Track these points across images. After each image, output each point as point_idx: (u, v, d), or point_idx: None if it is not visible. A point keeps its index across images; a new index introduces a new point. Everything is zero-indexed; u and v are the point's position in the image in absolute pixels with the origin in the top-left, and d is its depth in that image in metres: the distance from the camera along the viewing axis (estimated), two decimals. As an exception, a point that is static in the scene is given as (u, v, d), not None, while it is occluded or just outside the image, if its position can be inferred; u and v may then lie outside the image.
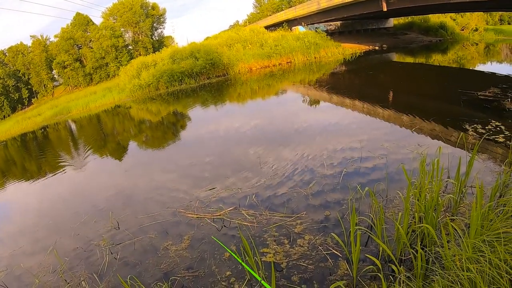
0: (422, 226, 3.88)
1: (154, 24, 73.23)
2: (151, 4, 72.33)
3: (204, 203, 6.21)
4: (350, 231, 4.04)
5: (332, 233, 4.38)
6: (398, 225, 3.80)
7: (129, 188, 8.27)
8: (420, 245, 3.86)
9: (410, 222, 4.24)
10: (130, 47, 69.60)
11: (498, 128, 8.23)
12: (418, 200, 4.27)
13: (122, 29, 68.16)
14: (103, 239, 5.74)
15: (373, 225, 4.30)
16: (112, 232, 5.96)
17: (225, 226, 5.32)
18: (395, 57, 31.34)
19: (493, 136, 7.74)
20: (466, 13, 44.89)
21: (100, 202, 7.63)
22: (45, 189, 10.19)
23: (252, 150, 9.28)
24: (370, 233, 4.25)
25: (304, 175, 6.84)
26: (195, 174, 8.25)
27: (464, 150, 6.40)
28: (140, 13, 68.66)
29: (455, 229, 3.76)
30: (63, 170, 11.69)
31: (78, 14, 67.91)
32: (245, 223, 5.22)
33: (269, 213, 5.45)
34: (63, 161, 13.23)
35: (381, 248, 3.89)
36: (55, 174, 11.48)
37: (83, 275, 4.86)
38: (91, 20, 68.87)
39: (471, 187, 5.20)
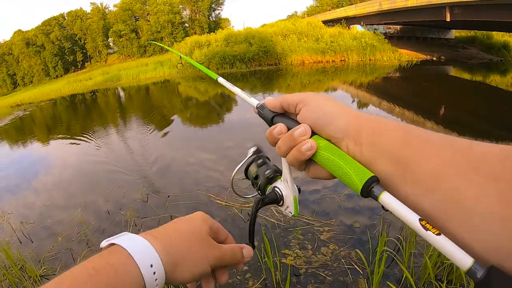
0: (448, 262, 3.67)
1: (213, 5, 73.67)
2: (211, -15, 72.74)
3: (232, 193, 6.09)
4: (376, 250, 3.84)
5: (357, 249, 4.17)
6: (427, 258, 3.59)
7: (166, 162, 8.35)
8: (447, 280, 3.66)
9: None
10: (186, 24, 70.40)
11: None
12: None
13: (180, 6, 68.86)
14: (130, 209, 5.75)
15: (401, 248, 4.08)
16: (140, 204, 5.98)
17: (251, 219, 5.21)
18: (452, 71, 30.40)
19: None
20: (534, 35, 43.03)
21: (135, 172, 7.72)
22: (85, 150, 10.49)
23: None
24: (396, 257, 4.04)
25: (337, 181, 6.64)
26: (232, 158, 8.18)
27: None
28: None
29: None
30: (105, 135, 11.90)
31: None
32: (272, 220, 5.09)
33: (300, 215, 5.31)
34: (106, 126, 13.46)
35: (404, 275, 3.69)
36: (97, 138, 11.70)
37: (104, 243, 4.86)
38: None
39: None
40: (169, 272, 0.63)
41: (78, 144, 11.30)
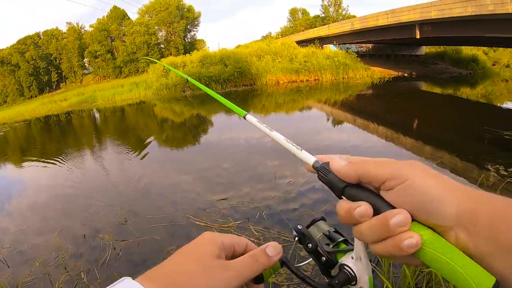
0: (427, 270, 3.79)
1: (188, 26, 74.06)
2: (187, 6, 73.35)
3: (214, 212, 6.13)
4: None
5: (338, 262, 4.25)
6: (405, 267, 3.70)
7: (143, 184, 8.27)
8: (426, 286, 3.76)
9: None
10: (162, 45, 70.50)
11: (523, 171, 8.06)
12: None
13: (156, 27, 69.20)
14: (109, 233, 5.71)
15: (380, 259, 4.19)
16: (118, 227, 5.93)
17: (230, 239, 5.24)
18: (423, 86, 31.12)
19: (517, 179, 7.57)
20: (500, 48, 44.41)
21: (112, 194, 7.67)
22: (60, 173, 10.33)
23: (270, 162, 9.26)
24: (376, 268, 4.14)
25: (318, 196, 6.73)
26: (209, 180, 8.19)
27: (485, 190, 6.23)
28: (175, 13, 69.63)
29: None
30: (81, 157, 11.82)
31: (115, 7, 69.65)
32: (252, 239, 5.12)
33: (277, 231, 5.35)
34: (81, 149, 13.38)
35: (385, 285, 3.80)
36: (72, 160, 11.59)
37: (83, 266, 4.84)
38: (127, 15, 70.57)
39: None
40: None
41: (53, 167, 11.13)
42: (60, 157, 12.09)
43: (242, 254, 0.69)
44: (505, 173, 7.98)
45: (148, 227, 5.73)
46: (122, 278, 0.58)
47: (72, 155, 12.45)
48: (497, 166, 8.40)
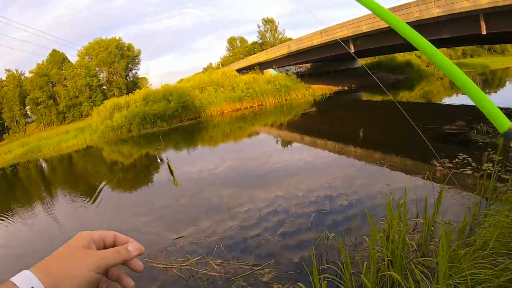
0: (389, 273, 3.90)
1: (129, 65, 73.36)
2: (126, 45, 72.67)
3: (173, 252, 6.09)
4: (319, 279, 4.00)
5: (299, 283, 4.30)
6: (363, 276, 3.80)
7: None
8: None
9: (380, 265, 4.25)
10: (104, 87, 69.40)
11: (465, 161, 8.50)
12: (386, 243, 4.29)
13: (97, 69, 68.06)
14: None
15: (341, 272, 4.28)
16: None
17: (192, 276, 5.21)
18: (364, 96, 32.14)
19: (461, 169, 7.95)
20: (431, 49, 46.55)
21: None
22: (5, 233, 9.88)
23: (225, 192, 9.31)
24: (338, 281, 4.23)
25: (274, 220, 6.85)
26: (167, 218, 8.17)
27: (433, 186, 6.49)
28: (115, 53, 68.84)
29: (424, 272, 3.78)
30: (30, 213, 11.40)
31: (54, 51, 67.65)
32: (213, 273, 5.14)
33: (237, 262, 5.38)
34: (30, 203, 12.94)
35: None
36: (20, 217, 11.15)
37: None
38: (67, 58, 68.69)
39: (443, 222, 5.25)
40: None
41: (2, 222, 10.73)
42: (6, 215, 11.64)
43: (113, 246, 0.87)
44: (450, 165, 8.40)
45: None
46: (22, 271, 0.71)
47: (20, 211, 11.99)
48: (442, 160, 8.78)
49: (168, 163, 3.59)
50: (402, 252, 4.06)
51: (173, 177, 3.75)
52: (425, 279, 3.49)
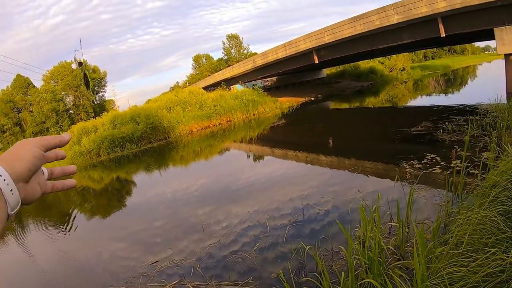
0: (367, 280, 3.90)
1: (95, 88, 72.45)
2: (92, 67, 71.77)
3: (148, 277, 5.94)
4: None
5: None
6: (342, 285, 3.79)
7: (72, 262, 7.83)
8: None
9: (358, 272, 4.25)
10: (71, 111, 68.21)
11: (434, 160, 8.66)
12: (362, 249, 4.29)
13: (63, 93, 66.84)
14: None
15: (319, 284, 4.25)
16: None
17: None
18: (331, 105, 32.53)
19: (431, 169, 8.07)
20: (393, 55, 47.73)
21: (41, 280, 7.17)
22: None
23: (201, 211, 9.22)
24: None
25: (250, 235, 6.81)
26: (140, 243, 7.98)
27: (403, 188, 6.56)
28: (81, 76, 67.65)
29: (402, 275, 3.79)
30: (3, 244, 11.05)
31: (18, 76, 65.96)
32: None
33: (215, 282, 5.29)
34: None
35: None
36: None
37: None
38: (32, 83, 67.02)
39: (417, 223, 5.29)
40: (10, 169, 0.82)
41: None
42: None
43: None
44: (419, 165, 8.54)
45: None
46: None
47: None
48: (411, 161, 8.99)
49: (85, 71, 3.45)
50: (379, 257, 4.06)
51: (90, 86, 3.61)
52: (403, 284, 3.49)
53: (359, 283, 4.07)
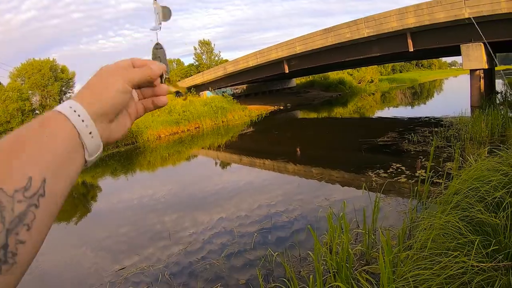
0: (335, 284, 3.95)
1: (63, 88, 70.88)
2: (60, 67, 70.16)
3: (114, 285, 5.85)
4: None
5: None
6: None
7: (36, 270, 7.58)
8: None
9: (326, 277, 4.30)
10: (37, 111, 66.57)
11: (399, 170, 8.86)
12: (330, 255, 4.35)
13: (30, 92, 65.13)
14: None
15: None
16: None
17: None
18: (300, 115, 32.75)
19: (396, 178, 8.25)
20: (362, 67, 48.59)
21: None
22: None
23: (167, 217, 9.14)
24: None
25: (218, 242, 6.79)
26: (106, 250, 7.83)
27: (369, 196, 6.67)
28: (49, 75, 65.91)
29: (369, 279, 3.86)
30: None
31: None
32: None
33: (183, 288, 5.28)
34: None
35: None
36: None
37: None
38: None
39: (383, 230, 5.39)
40: (89, 107, 0.71)
41: None
42: None
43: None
44: (385, 174, 8.70)
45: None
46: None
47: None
48: (377, 170, 9.16)
49: None
50: (347, 262, 4.12)
51: None
52: (369, 286, 3.55)
53: (327, 287, 4.12)
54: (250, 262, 5.71)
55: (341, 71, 48.95)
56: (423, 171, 8.07)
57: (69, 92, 73.27)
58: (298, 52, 26.52)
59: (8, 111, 59.08)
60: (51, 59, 66.89)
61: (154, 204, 10.90)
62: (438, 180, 6.69)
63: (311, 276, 4.05)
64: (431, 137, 11.38)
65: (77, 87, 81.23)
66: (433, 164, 6.56)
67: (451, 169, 6.75)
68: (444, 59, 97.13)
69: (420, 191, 6.01)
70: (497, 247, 3.11)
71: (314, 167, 11.61)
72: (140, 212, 10.45)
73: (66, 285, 6.36)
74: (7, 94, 59.77)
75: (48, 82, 65.90)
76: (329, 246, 4.55)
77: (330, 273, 4.20)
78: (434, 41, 18.44)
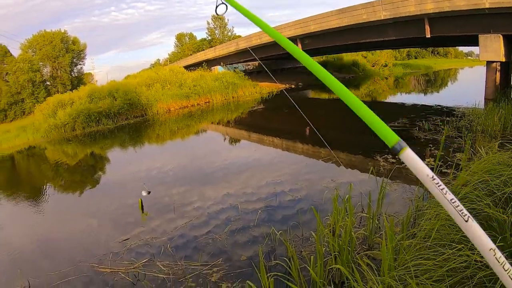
0: (336, 266, 3.97)
1: (74, 60, 70.47)
2: (71, 39, 69.90)
3: (118, 255, 5.89)
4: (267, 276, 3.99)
5: (247, 281, 4.28)
6: (311, 269, 3.84)
7: (42, 239, 7.66)
8: (340, 282, 3.93)
9: (328, 259, 4.31)
10: (48, 82, 66.53)
11: (407, 156, 8.72)
12: (333, 237, 4.35)
13: (41, 63, 65.01)
14: None
15: (288, 268, 4.30)
16: None
17: (139, 280, 5.08)
18: (311, 94, 32.61)
19: (404, 164, 8.17)
20: (376, 50, 47.99)
21: (10, 256, 6.94)
22: None
23: (175, 190, 9.20)
24: (286, 276, 4.24)
25: (222, 217, 6.83)
26: (111, 221, 7.92)
27: (377, 180, 6.66)
28: (60, 47, 65.83)
29: (370, 264, 3.86)
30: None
31: None
32: (161, 275, 5.02)
33: (185, 263, 5.29)
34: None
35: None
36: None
37: None
38: (9, 51, 64.99)
39: (387, 215, 5.37)
40: None
41: None
42: None
43: None
44: (393, 160, 8.66)
45: (54, 285, 5.35)
46: None
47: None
48: (385, 155, 9.10)
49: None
50: (349, 246, 4.13)
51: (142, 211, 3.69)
52: (369, 271, 3.56)
53: (327, 269, 4.14)
54: (253, 239, 5.74)
55: (355, 53, 48.54)
56: (432, 159, 8.01)
57: (80, 64, 73.13)
58: (313, 31, 26.24)
59: (19, 82, 59.07)
60: (62, 31, 66.74)
61: (162, 177, 10.97)
62: (446, 170, 6.65)
63: (312, 257, 4.06)
64: (442, 126, 11.27)
65: (87, 60, 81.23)
66: (443, 153, 6.50)
67: (460, 160, 6.68)
68: (460, 48, 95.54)
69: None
70: (502, 244, 3.08)
71: (322, 148, 11.57)
72: (147, 184, 10.51)
73: (70, 253, 6.40)
74: (18, 66, 59.62)
75: (59, 54, 65.66)
76: (332, 228, 4.54)
77: (331, 255, 4.21)
78: (452, 29, 18.10)
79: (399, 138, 1.12)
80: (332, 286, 3.69)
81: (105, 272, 5.44)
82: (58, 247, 7.05)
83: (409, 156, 1.05)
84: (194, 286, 4.70)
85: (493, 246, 0.76)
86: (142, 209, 5.93)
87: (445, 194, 0.87)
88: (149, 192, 8.44)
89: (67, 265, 5.91)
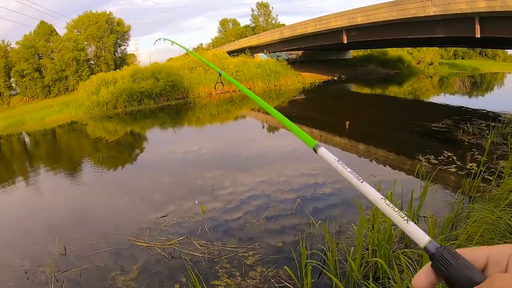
0: (374, 259, 3.93)
1: (118, 41, 71.56)
2: (116, 20, 70.99)
3: (155, 231, 6.01)
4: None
5: (285, 266, 4.29)
6: (350, 260, 3.82)
7: (80, 210, 7.89)
8: (374, 278, 3.90)
9: (364, 254, 4.28)
10: (91, 62, 67.83)
11: (450, 159, 8.57)
12: (371, 232, 4.31)
13: (85, 43, 66.31)
14: (49, 265, 5.35)
15: (326, 258, 4.28)
16: (58, 257, 5.58)
17: (174, 257, 5.16)
18: (353, 88, 32.27)
19: (446, 167, 8.03)
20: (423, 47, 46.88)
21: (49, 223, 7.20)
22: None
23: (208, 174, 9.25)
24: (322, 266, 4.24)
25: (258, 203, 6.84)
26: (150, 197, 8.06)
27: (418, 180, 6.56)
28: (104, 28, 67.08)
29: (409, 261, 3.82)
30: (12, 187, 11.14)
31: (42, 22, 65.47)
32: (196, 254, 5.09)
33: (221, 243, 5.35)
34: (12, 177, 12.68)
35: (334, 282, 3.88)
36: (3, 189, 10.94)
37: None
38: (55, 30, 66.58)
39: (424, 217, 5.29)
40: None
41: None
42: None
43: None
44: (435, 161, 8.47)
45: (89, 254, 5.48)
46: None
47: (1, 185, 11.71)
48: (428, 156, 8.92)
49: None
50: (388, 242, 4.08)
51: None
52: (410, 267, 3.52)
53: (365, 262, 4.12)
54: (290, 226, 5.74)
55: (400, 48, 47.63)
56: (475, 164, 7.80)
57: (124, 45, 74.26)
58: (359, 23, 25.83)
59: (64, 60, 60.59)
60: (107, 12, 67.81)
61: (198, 160, 11.08)
62: (488, 177, 6.48)
63: (352, 248, 4.05)
64: (487, 131, 10.93)
65: (131, 41, 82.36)
66: (486, 159, 6.34)
67: (503, 167, 6.51)
68: (510, 51, 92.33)
69: (469, 184, 5.87)
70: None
71: (361, 143, 11.46)
72: (184, 165, 10.64)
73: (107, 226, 6.57)
74: (64, 44, 61.12)
75: (104, 34, 66.87)
76: (372, 223, 4.50)
77: (369, 249, 4.17)
78: (504, 30, 17.47)
79: (316, 141, 1.25)
80: (371, 280, 3.65)
81: (141, 246, 5.55)
82: (95, 219, 7.25)
83: (324, 152, 1.17)
84: (229, 267, 4.74)
85: (383, 196, 0.87)
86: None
87: (352, 173, 0.99)
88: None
89: (104, 236, 6.07)
